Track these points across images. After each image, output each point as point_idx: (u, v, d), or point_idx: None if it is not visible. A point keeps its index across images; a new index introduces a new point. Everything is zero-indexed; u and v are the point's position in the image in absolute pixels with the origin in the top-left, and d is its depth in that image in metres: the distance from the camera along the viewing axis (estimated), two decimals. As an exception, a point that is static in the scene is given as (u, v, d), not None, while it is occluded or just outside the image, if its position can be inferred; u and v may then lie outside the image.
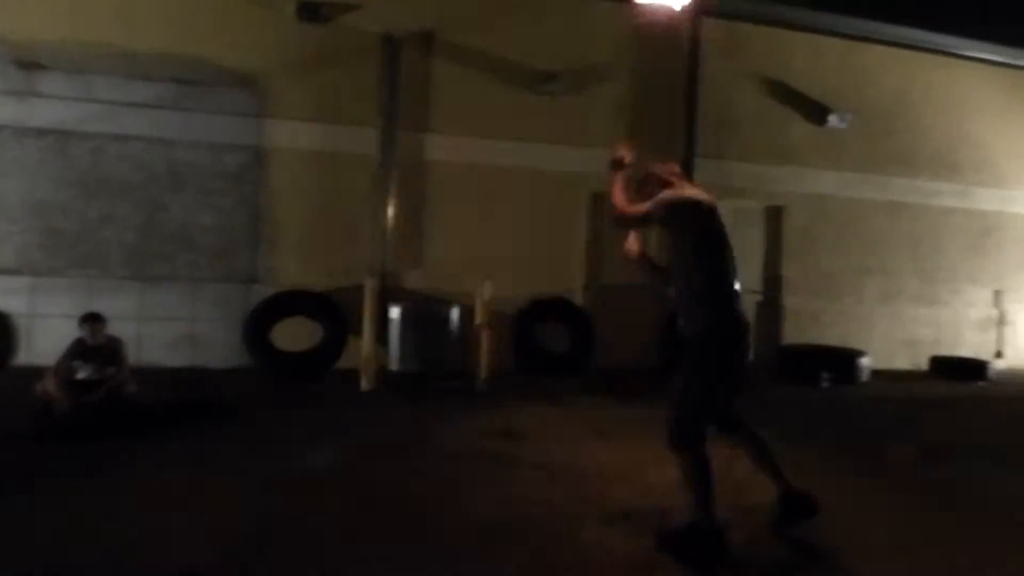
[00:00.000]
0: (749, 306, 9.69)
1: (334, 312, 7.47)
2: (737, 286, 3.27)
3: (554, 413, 6.20)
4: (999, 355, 10.53)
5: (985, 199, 10.67)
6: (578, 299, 8.74)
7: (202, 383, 6.72)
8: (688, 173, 9.12)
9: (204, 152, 7.58)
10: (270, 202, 7.81)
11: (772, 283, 9.79)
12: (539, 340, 8.17)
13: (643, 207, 3.32)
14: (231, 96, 7.61)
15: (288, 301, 7.47)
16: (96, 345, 5.13)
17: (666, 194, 3.32)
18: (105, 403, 4.91)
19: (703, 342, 3.16)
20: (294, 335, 7.44)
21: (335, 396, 6.58)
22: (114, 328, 5.39)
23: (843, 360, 8.71)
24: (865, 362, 8.78)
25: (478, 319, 7.02)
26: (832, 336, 9.80)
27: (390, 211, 7.93)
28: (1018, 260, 10.91)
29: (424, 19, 8.18)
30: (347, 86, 7.97)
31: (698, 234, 3.23)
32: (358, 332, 7.04)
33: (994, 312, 10.74)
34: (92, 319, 5.20)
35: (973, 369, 9.37)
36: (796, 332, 9.70)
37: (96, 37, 7.26)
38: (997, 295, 10.73)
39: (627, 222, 3.42)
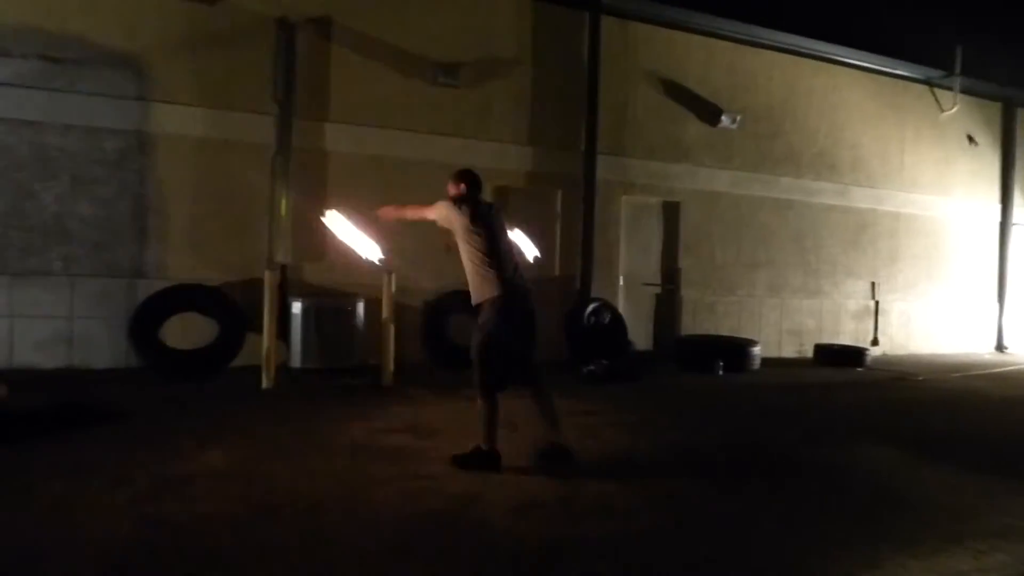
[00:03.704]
0: (649, 299, 10.04)
1: (229, 307, 7.09)
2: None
3: (462, 407, 6.13)
4: (875, 343, 11.41)
5: (860, 197, 11.51)
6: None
7: (83, 385, 6.22)
8: (591, 169, 9.31)
9: (78, 136, 6.97)
10: (157, 191, 7.31)
11: (670, 276, 10.14)
12: (449, 333, 8.09)
13: None
14: (107, 76, 7.03)
15: (179, 296, 7.01)
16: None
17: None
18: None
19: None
20: (186, 332, 7.02)
21: (232, 395, 6.24)
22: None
23: (736, 349, 9.15)
24: (756, 351, 9.26)
25: (384, 313, 6.87)
26: (726, 327, 10.31)
27: (287, 202, 7.62)
28: (889, 254, 11.86)
29: (321, 3, 7.90)
30: (239, 71, 7.56)
31: None
32: (256, 328, 6.73)
33: (870, 303, 11.63)
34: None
35: (852, 356, 10.08)
36: (694, 323, 10.12)
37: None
38: (873, 286, 11.62)
39: None
